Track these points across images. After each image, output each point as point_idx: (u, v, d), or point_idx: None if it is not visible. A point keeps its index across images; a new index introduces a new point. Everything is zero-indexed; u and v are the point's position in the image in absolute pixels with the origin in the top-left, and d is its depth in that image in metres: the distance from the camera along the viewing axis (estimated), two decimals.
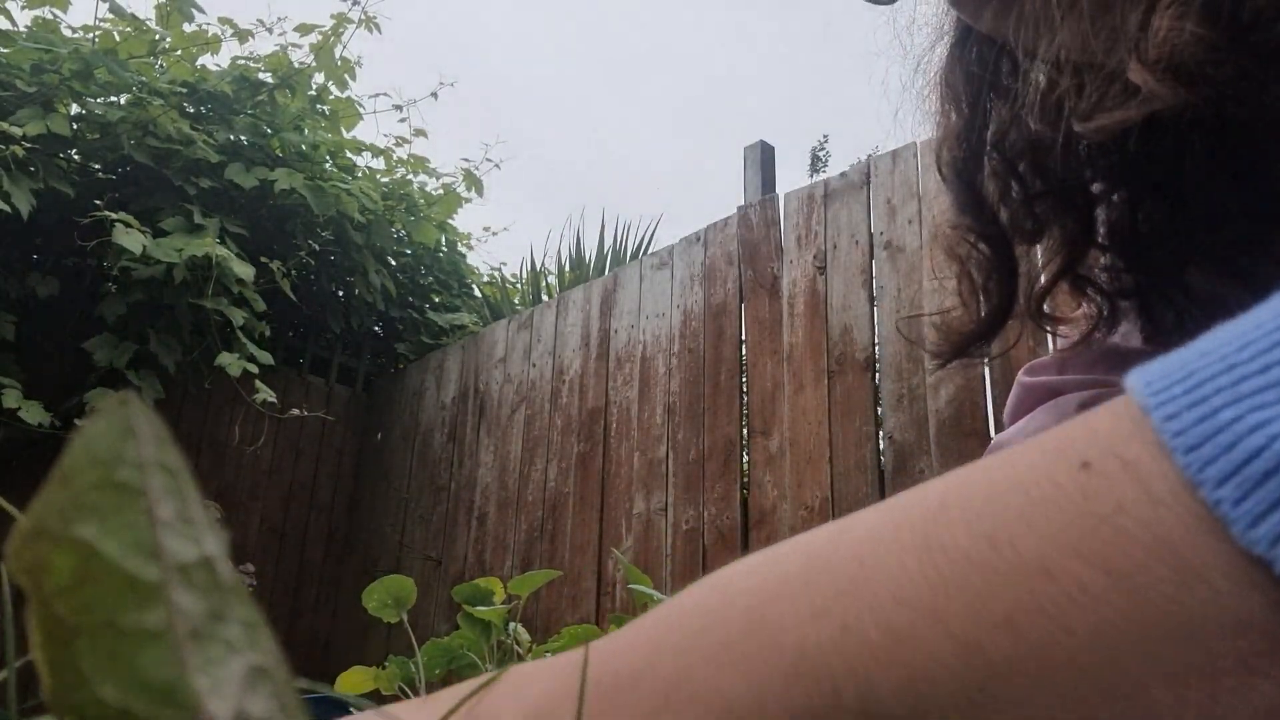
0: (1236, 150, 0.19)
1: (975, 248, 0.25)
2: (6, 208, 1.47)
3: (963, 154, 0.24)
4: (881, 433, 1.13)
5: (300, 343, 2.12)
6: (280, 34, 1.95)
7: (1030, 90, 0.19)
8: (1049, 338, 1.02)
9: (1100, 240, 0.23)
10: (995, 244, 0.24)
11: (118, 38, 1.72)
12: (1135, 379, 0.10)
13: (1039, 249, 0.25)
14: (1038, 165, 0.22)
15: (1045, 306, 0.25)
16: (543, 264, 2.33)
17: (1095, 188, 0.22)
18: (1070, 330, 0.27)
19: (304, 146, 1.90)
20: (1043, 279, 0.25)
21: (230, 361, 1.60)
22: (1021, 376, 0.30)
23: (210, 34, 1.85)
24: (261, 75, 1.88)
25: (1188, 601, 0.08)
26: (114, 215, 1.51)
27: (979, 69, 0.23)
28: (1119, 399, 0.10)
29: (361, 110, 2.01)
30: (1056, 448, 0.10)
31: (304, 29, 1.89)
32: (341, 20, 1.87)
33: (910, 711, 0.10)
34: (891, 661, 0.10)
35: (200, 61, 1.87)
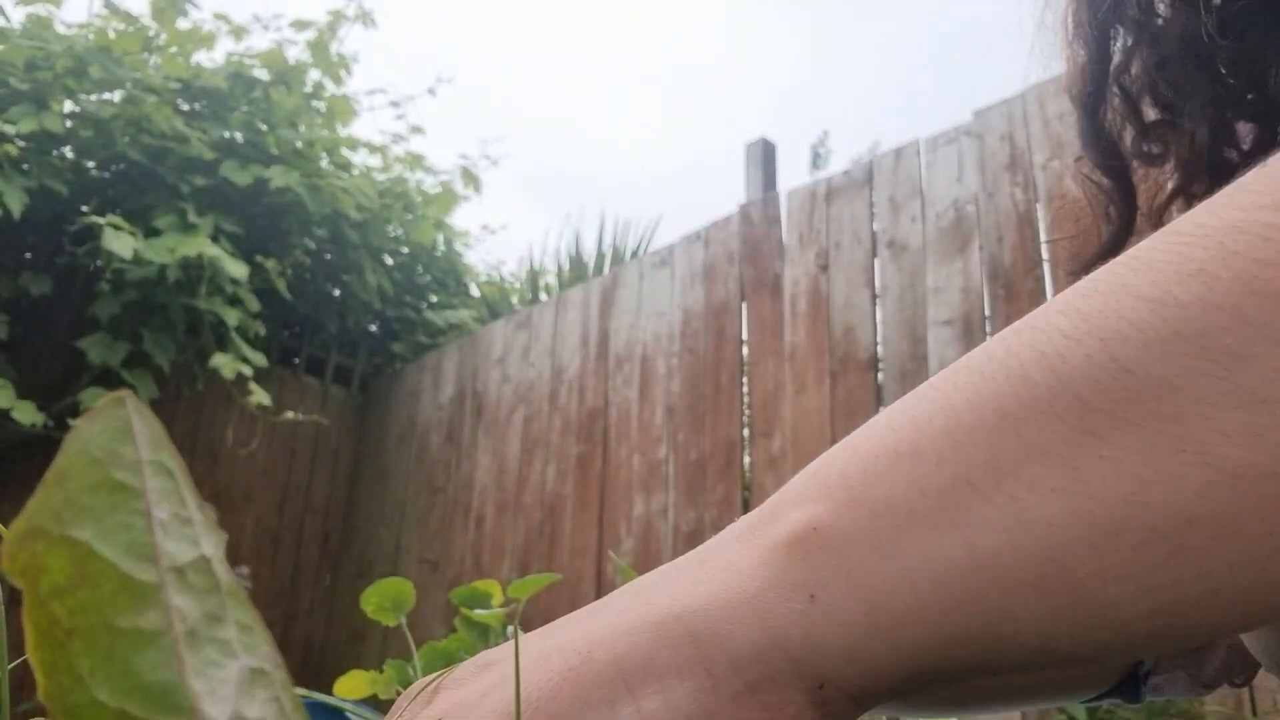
0: None
1: (1097, 179, 0.27)
2: None
3: (1089, 88, 0.25)
4: None
5: (295, 342, 2.11)
6: (276, 30, 1.94)
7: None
8: None
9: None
10: (1115, 174, 0.26)
11: (112, 34, 1.71)
12: None
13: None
14: (1156, 95, 0.24)
15: (1163, 221, 0.28)
16: (541, 263, 2.33)
17: (1200, 114, 0.23)
18: None
19: (300, 143, 1.89)
20: (1159, 198, 0.26)
21: (224, 363, 1.59)
22: None
23: (205, 30, 1.84)
24: (257, 72, 1.88)
25: None
26: (102, 220, 1.50)
27: (1106, 2, 0.24)
28: None
29: (358, 107, 2.00)
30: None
31: (300, 25, 1.89)
32: (337, 17, 1.86)
33: (1109, 379, 0.10)
34: (1082, 336, 0.10)
35: (195, 58, 1.86)
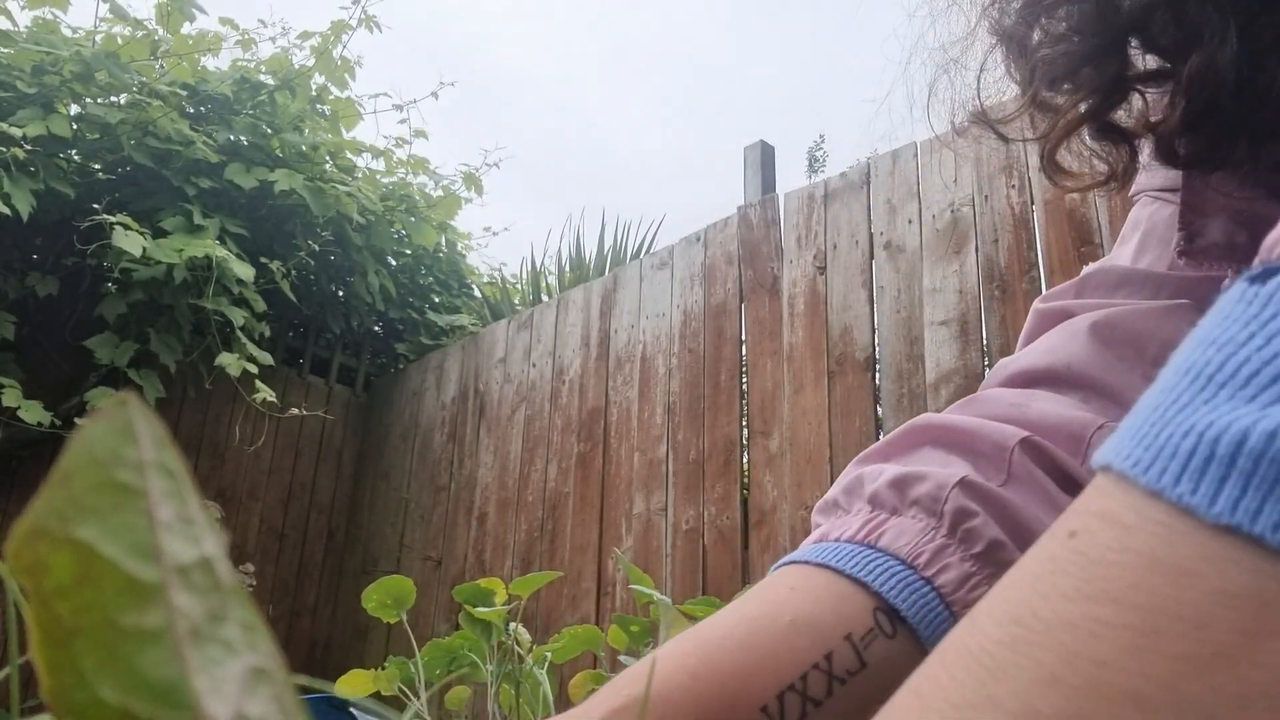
0: None
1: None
2: (6, 210, 1.48)
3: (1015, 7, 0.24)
4: (881, 433, 1.13)
5: (300, 343, 2.12)
6: (282, 36, 1.96)
7: None
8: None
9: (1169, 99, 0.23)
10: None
11: (120, 40, 1.72)
12: (1097, 458, 0.11)
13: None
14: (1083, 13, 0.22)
15: (1057, 156, 0.26)
16: (543, 264, 2.34)
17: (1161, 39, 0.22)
18: (1075, 184, 0.27)
19: (304, 147, 1.90)
20: (1064, 120, 0.25)
21: (230, 361, 1.60)
22: (1037, 304, 0.30)
23: (211, 35, 1.85)
24: (262, 76, 1.89)
25: (1187, 595, 0.09)
26: (113, 218, 1.51)
27: None
28: (1091, 481, 0.12)
29: (361, 110, 2.01)
30: (1049, 533, 0.12)
31: (305, 35, 1.90)
32: (341, 26, 1.87)
33: None
34: None
35: (201, 63, 1.87)
